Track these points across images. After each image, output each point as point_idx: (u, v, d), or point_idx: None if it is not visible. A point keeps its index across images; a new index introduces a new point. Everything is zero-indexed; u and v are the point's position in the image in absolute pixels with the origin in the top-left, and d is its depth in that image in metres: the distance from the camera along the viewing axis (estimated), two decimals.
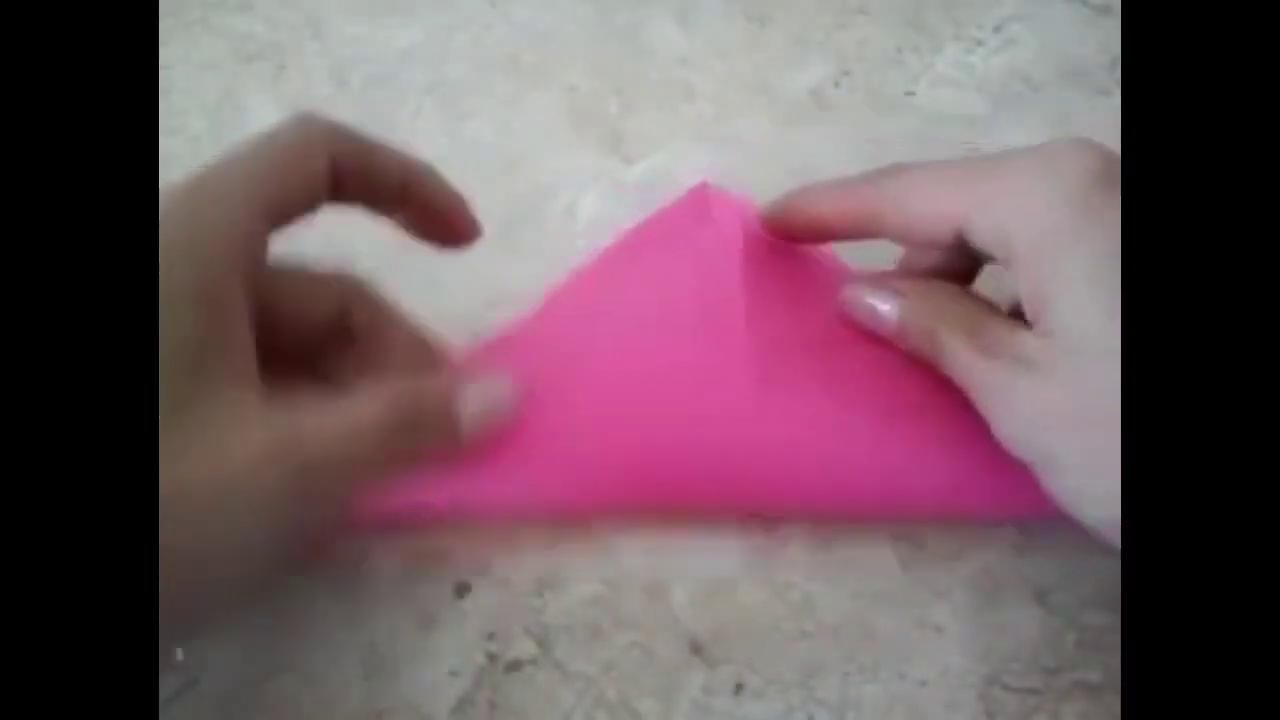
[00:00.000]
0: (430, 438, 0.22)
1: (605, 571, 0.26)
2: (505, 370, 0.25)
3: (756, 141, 0.34)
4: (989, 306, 0.24)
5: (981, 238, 0.22)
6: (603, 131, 0.34)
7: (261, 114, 0.35)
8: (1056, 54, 0.35)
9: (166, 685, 0.26)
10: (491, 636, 0.25)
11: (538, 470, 0.25)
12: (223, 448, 0.18)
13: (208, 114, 0.35)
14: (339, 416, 0.20)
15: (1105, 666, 0.24)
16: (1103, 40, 0.36)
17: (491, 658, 0.25)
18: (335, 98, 0.36)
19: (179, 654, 0.26)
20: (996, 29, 0.36)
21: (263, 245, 0.21)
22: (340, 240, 0.32)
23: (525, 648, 0.25)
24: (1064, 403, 0.20)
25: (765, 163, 0.33)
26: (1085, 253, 0.20)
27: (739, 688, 0.24)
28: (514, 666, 0.25)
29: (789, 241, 0.28)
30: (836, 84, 0.35)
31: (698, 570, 0.26)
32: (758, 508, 0.26)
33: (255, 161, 0.22)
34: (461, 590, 0.26)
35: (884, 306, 0.25)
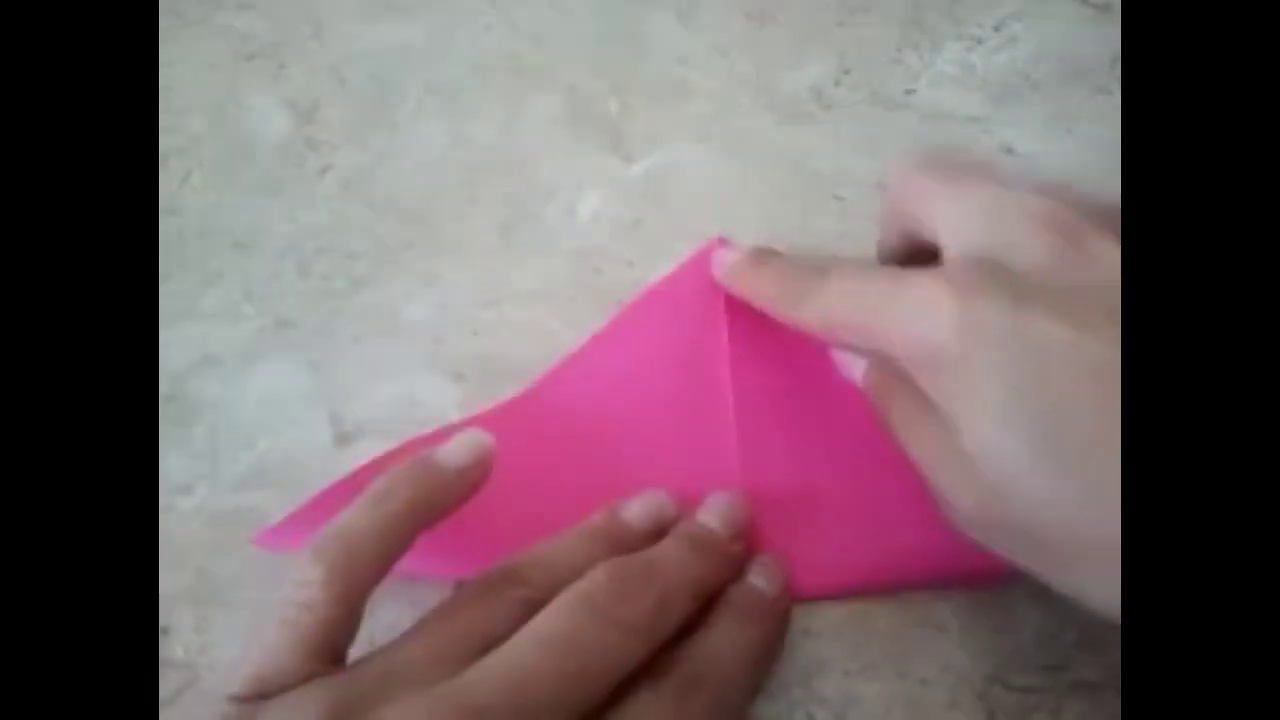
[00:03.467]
0: (440, 501, 0.23)
1: None
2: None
3: (757, 140, 0.34)
4: None
5: (892, 353, 0.22)
6: (603, 130, 0.34)
7: (261, 113, 0.35)
8: (1057, 52, 0.35)
9: (166, 685, 0.26)
10: None
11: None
12: None
13: (208, 113, 0.35)
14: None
15: (1105, 665, 0.24)
16: (1103, 39, 0.36)
17: None
18: (335, 96, 0.36)
19: (179, 651, 0.26)
20: (997, 27, 0.36)
21: None
22: (340, 239, 0.32)
23: None
24: (990, 513, 0.20)
25: (766, 162, 0.33)
26: (972, 371, 0.20)
27: None
28: None
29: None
30: (837, 82, 0.35)
31: None
32: None
33: None
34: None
35: (855, 370, 0.26)
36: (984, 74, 0.35)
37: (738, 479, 0.26)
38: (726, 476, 0.26)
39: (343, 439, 0.29)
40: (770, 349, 0.28)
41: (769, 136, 0.34)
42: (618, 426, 0.27)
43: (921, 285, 0.21)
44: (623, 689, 0.21)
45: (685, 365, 0.28)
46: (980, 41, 0.36)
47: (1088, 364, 0.19)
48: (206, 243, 0.33)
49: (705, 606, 0.23)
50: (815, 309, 0.24)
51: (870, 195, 0.32)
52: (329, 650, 0.21)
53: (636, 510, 0.25)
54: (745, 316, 0.28)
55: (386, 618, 0.25)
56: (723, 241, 0.29)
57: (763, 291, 0.26)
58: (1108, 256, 0.20)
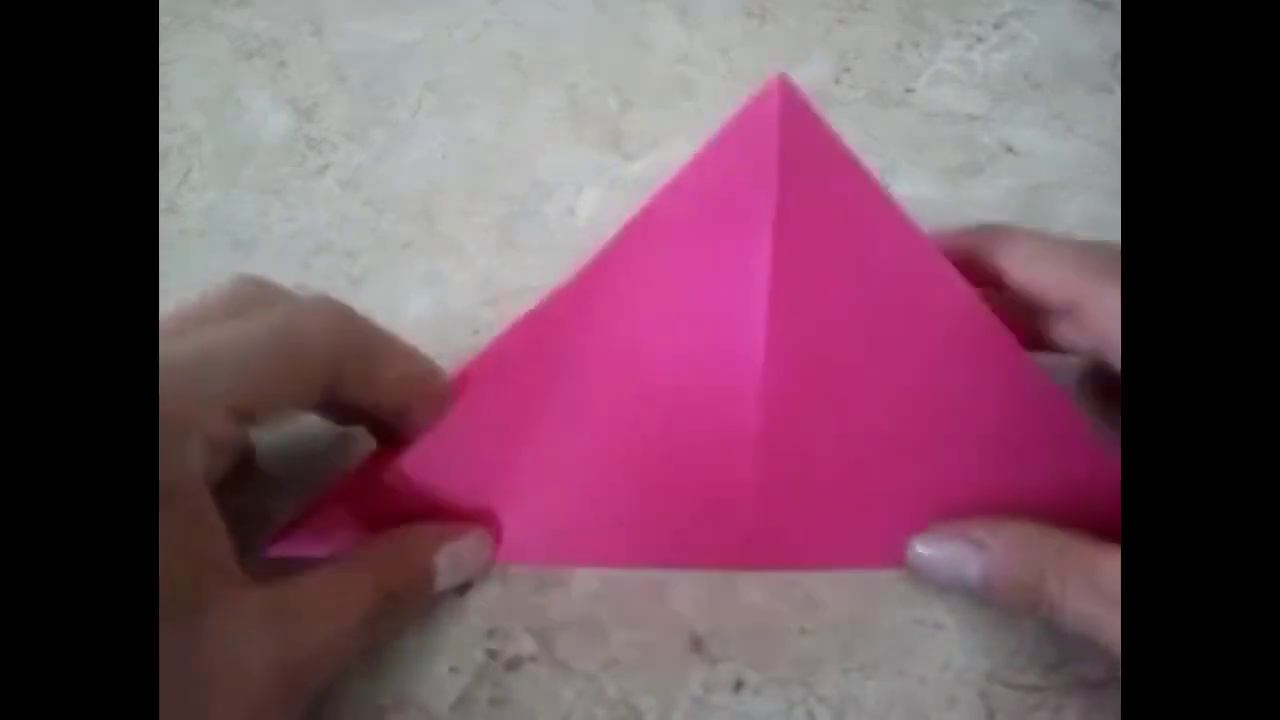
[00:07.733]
0: (409, 610, 0.24)
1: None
2: (492, 442, 0.25)
3: None
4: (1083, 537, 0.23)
5: (1088, 328, 0.22)
6: (603, 128, 0.34)
7: (261, 111, 0.35)
8: (1057, 51, 0.35)
9: None
10: (492, 633, 0.25)
11: (532, 516, 0.25)
12: (228, 655, 0.19)
13: (207, 111, 0.35)
14: (329, 617, 0.21)
15: (1106, 664, 0.24)
16: (1103, 37, 0.36)
17: (492, 654, 0.25)
18: (335, 94, 0.35)
19: None
20: (997, 25, 0.36)
21: (236, 441, 0.22)
22: (340, 238, 0.33)
23: (526, 645, 0.25)
24: None
25: None
26: None
27: (739, 685, 0.24)
28: (514, 664, 0.25)
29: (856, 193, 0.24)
30: (837, 80, 0.35)
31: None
32: (753, 561, 0.25)
33: (236, 360, 0.21)
34: (462, 587, 0.26)
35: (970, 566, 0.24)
36: (984, 72, 0.35)
37: (754, 417, 0.24)
38: (742, 407, 0.24)
39: (343, 438, 0.29)
40: (820, 274, 0.23)
41: None
42: (641, 332, 0.25)
43: None
44: None
45: (718, 268, 0.24)
46: (981, 39, 0.36)
47: None
48: (206, 242, 0.33)
49: None
50: (1017, 253, 0.24)
51: None
52: None
53: None
54: (798, 221, 0.23)
55: None
56: (782, 81, 0.23)
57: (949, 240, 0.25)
58: None
